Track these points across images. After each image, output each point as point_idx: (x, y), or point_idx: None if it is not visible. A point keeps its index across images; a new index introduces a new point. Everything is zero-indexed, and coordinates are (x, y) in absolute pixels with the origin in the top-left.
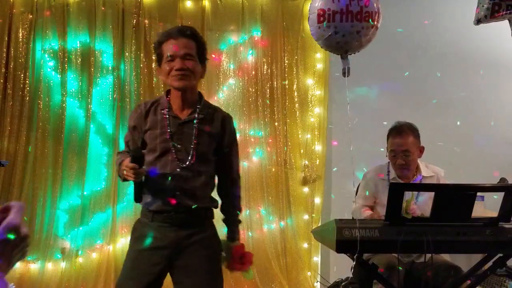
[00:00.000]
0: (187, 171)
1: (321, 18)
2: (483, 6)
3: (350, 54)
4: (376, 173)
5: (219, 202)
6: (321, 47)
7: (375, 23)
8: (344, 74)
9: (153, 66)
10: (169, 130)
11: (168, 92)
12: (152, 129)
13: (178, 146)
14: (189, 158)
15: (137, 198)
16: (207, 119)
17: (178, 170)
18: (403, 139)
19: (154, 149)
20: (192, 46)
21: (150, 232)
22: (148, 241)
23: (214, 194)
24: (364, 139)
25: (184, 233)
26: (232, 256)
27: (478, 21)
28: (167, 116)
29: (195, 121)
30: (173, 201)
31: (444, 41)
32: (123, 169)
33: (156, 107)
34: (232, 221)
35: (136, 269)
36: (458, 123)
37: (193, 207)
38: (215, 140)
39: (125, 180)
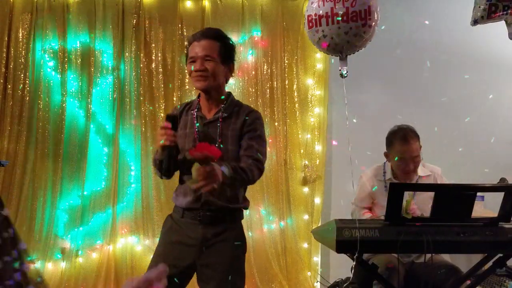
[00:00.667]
0: None
1: (310, 24)
2: (479, 7)
3: (348, 55)
4: (372, 174)
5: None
6: (320, 51)
7: (366, 22)
8: (341, 75)
9: (152, 66)
10: (196, 130)
11: (200, 94)
12: (182, 129)
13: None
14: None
15: (167, 170)
16: (232, 118)
17: None
18: (411, 145)
19: (183, 148)
20: (215, 48)
21: (179, 228)
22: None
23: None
24: (364, 139)
25: (212, 232)
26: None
27: (475, 22)
28: (195, 116)
29: (219, 120)
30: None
31: (444, 41)
32: (157, 133)
33: (189, 108)
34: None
35: (163, 262)
36: (467, 119)
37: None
38: (239, 137)
39: (160, 161)
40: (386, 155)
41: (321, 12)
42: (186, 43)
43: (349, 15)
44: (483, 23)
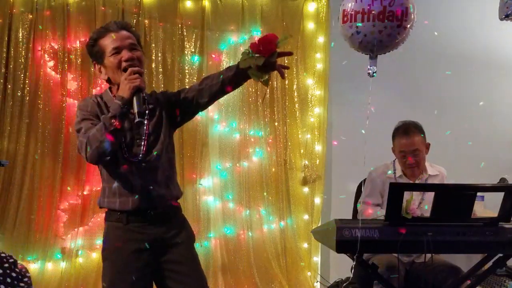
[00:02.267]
0: (152, 162)
1: (345, 18)
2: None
3: (379, 54)
4: (382, 171)
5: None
6: (350, 47)
7: (402, 23)
8: (369, 74)
9: (153, 66)
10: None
11: (110, 89)
12: None
13: (137, 140)
14: (151, 149)
15: (144, 113)
16: (154, 108)
17: (144, 164)
18: (411, 138)
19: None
20: (134, 38)
21: (128, 236)
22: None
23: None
24: (365, 139)
25: (164, 229)
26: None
27: (507, 16)
28: None
29: (146, 112)
30: (153, 192)
31: (444, 41)
32: (127, 77)
33: (105, 104)
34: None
35: (127, 278)
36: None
37: (165, 196)
38: (166, 120)
39: (122, 114)
40: (392, 150)
41: (357, 7)
42: (90, 38)
43: (386, 14)
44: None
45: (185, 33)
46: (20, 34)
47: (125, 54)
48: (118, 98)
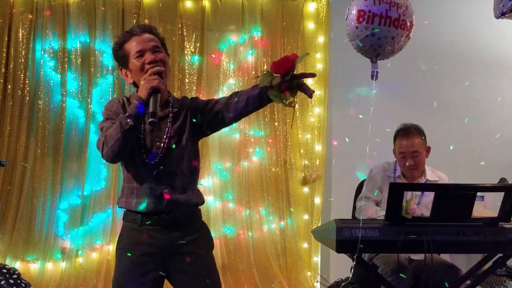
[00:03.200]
0: (170, 166)
1: (361, 19)
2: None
3: (380, 60)
4: (383, 168)
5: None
6: (354, 48)
7: (408, 34)
8: (372, 77)
9: None
10: (143, 130)
11: (137, 92)
12: None
13: (157, 143)
14: (170, 153)
15: (156, 114)
16: (179, 112)
17: (162, 167)
18: (411, 140)
19: (133, 148)
20: (157, 40)
21: (140, 238)
22: (139, 247)
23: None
24: (366, 139)
25: (177, 235)
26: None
27: (503, 14)
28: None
29: (169, 116)
30: (167, 196)
31: (444, 41)
32: (145, 78)
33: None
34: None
35: (130, 281)
36: (466, 120)
37: (182, 200)
38: (190, 126)
39: (138, 114)
40: (393, 152)
41: (376, 10)
42: (115, 43)
43: (399, 22)
44: (508, 18)
45: (185, 33)
46: (20, 34)
47: (148, 57)
48: (136, 98)
